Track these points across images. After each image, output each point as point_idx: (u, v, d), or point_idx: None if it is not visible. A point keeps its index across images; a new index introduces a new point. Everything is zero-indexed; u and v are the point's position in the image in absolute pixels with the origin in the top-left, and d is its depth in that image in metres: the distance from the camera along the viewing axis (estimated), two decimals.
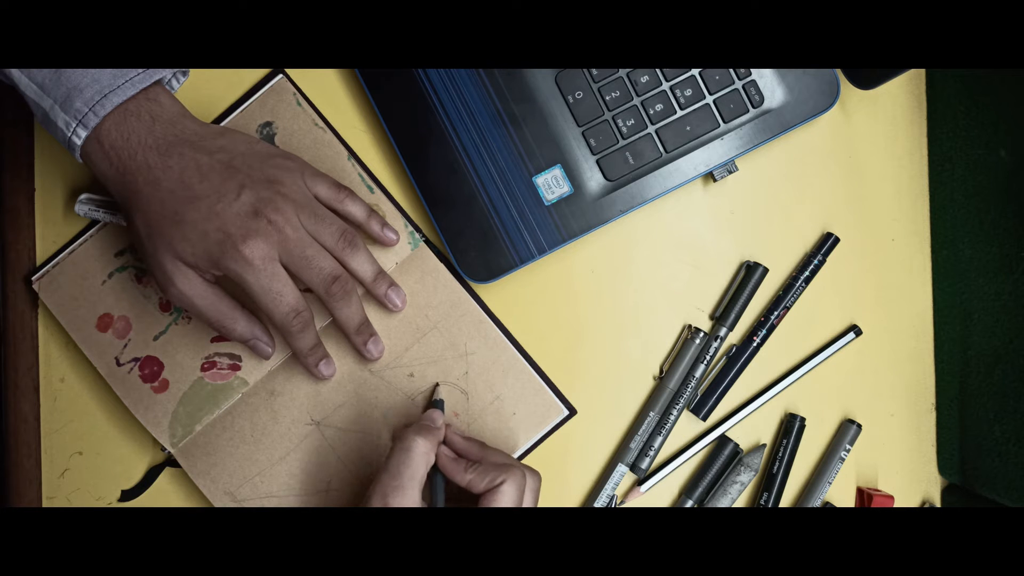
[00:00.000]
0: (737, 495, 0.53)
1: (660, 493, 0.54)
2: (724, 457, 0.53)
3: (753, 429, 0.54)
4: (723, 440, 0.54)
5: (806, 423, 0.54)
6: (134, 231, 0.46)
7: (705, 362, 0.53)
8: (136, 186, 0.44)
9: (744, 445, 0.54)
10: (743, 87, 0.51)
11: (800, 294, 0.53)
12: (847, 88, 0.53)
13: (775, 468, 0.53)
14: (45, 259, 0.53)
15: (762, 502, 0.53)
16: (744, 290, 0.53)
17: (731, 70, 0.51)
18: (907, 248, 0.55)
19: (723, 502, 0.53)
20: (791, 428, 0.53)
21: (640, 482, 0.54)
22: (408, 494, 0.43)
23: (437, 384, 0.52)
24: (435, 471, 0.46)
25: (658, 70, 0.51)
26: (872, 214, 0.55)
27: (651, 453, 0.53)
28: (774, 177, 0.55)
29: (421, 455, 0.44)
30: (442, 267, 0.53)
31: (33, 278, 0.53)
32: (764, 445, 0.54)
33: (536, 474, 0.46)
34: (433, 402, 0.51)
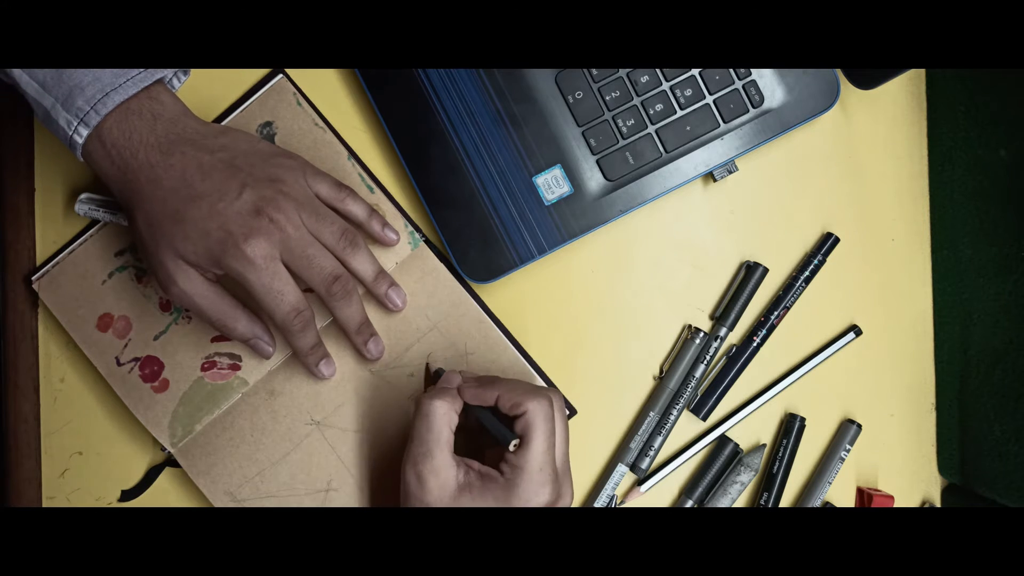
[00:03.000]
0: (737, 495, 0.53)
1: (660, 493, 0.54)
2: (724, 457, 0.53)
3: (753, 429, 0.54)
4: (723, 440, 0.54)
5: (806, 423, 0.54)
6: (135, 230, 0.46)
7: (705, 362, 0.53)
8: (137, 185, 0.44)
9: (744, 445, 0.54)
10: (743, 87, 0.51)
11: (800, 294, 0.53)
12: (847, 88, 0.53)
13: (775, 468, 0.53)
14: (45, 259, 0.53)
15: (762, 502, 0.53)
16: (744, 290, 0.53)
17: (731, 70, 0.51)
18: (907, 248, 0.55)
19: (723, 502, 0.53)
20: (791, 428, 0.53)
21: (640, 482, 0.54)
22: (437, 457, 0.43)
23: (428, 362, 0.52)
24: (483, 412, 0.45)
25: (658, 70, 0.51)
26: (872, 214, 0.55)
27: (651, 453, 0.53)
28: (774, 177, 0.55)
29: (442, 416, 0.44)
30: (442, 267, 0.53)
31: (33, 278, 0.53)
32: (764, 445, 0.54)
33: (558, 392, 0.46)
34: (435, 374, 0.51)
